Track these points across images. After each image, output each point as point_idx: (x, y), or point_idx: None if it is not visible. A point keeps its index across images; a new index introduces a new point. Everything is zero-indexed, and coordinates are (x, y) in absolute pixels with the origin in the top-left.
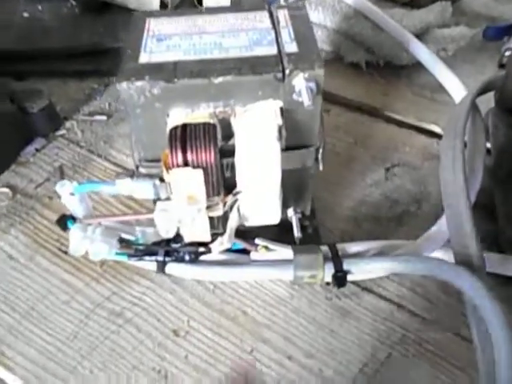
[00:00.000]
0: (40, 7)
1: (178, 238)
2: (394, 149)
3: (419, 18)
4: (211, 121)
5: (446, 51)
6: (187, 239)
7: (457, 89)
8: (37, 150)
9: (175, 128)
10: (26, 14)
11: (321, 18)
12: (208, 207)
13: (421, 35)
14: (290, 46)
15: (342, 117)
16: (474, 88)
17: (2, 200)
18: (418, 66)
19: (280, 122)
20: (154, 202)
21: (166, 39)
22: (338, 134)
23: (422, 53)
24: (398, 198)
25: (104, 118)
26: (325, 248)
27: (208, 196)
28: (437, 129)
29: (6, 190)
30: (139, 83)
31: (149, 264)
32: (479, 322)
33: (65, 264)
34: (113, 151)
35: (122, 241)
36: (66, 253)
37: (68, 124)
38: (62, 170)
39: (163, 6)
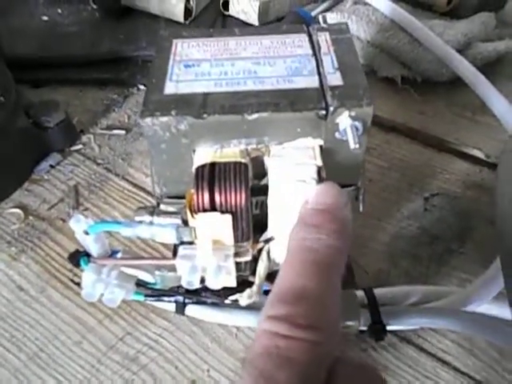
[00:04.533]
0: (60, 10)
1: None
2: (432, 175)
3: (462, 30)
4: (242, 160)
5: (487, 67)
6: (211, 286)
7: (506, 112)
8: (51, 167)
9: (202, 167)
10: (44, 18)
11: (354, 29)
12: (236, 253)
13: (462, 50)
14: (334, 78)
15: (374, 138)
16: None
17: (13, 222)
18: (457, 83)
19: (320, 162)
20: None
21: (194, 65)
22: (371, 158)
23: (465, 69)
24: (439, 234)
25: (123, 132)
26: (360, 292)
27: (236, 241)
28: (480, 154)
29: (17, 210)
30: (164, 119)
31: (167, 304)
32: None
33: (77, 298)
34: (131, 170)
35: (139, 284)
36: (78, 285)
37: (85, 138)
38: (77, 191)
39: (187, 12)
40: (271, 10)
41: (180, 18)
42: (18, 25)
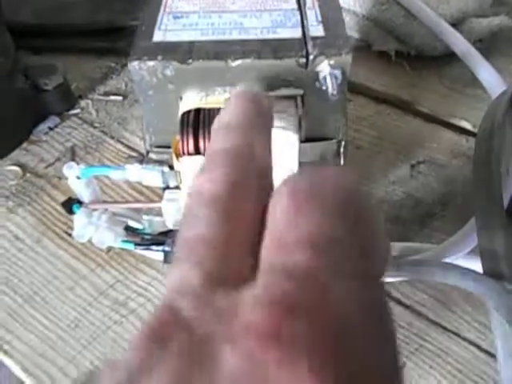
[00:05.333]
0: None
1: None
2: (421, 144)
3: (456, 5)
4: None
5: (482, 42)
6: None
7: (494, 83)
8: (50, 129)
9: (187, 113)
10: None
11: (350, 3)
12: None
13: (456, 25)
14: (316, 29)
15: (366, 108)
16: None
17: (11, 179)
18: (450, 57)
19: (300, 111)
20: (164, 190)
21: (183, 17)
22: (361, 127)
23: (458, 42)
24: (423, 198)
25: (120, 98)
26: None
27: None
28: (467, 125)
29: (16, 168)
30: (151, 63)
31: (156, 253)
32: (505, 338)
33: (71, 248)
34: (126, 133)
35: (128, 229)
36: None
37: (83, 103)
38: (74, 151)
39: None
40: None
41: None
42: None
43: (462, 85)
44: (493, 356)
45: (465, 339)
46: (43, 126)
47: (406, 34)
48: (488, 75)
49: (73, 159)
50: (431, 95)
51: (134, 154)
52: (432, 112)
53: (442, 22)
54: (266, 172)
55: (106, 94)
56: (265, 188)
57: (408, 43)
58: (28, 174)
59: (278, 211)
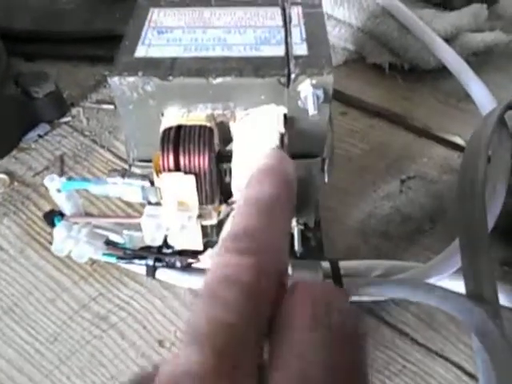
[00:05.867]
0: None
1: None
2: (412, 159)
3: (450, 20)
4: (208, 124)
5: (477, 57)
6: (177, 247)
7: (485, 100)
8: (40, 137)
9: (169, 129)
10: None
11: (346, 15)
12: (200, 215)
13: (451, 39)
14: (300, 48)
15: (358, 121)
16: (503, 100)
17: None
18: (444, 71)
19: (282, 129)
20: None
21: (167, 32)
22: (353, 140)
23: (450, 57)
24: (411, 214)
25: (111, 106)
26: (326, 264)
27: (201, 204)
28: (459, 140)
29: (3, 176)
30: (131, 79)
31: (139, 267)
32: (485, 362)
33: (55, 260)
34: (117, 143)
35: (108, 243)
36: None
37: (74, 111)
38: (63, 160)
39: None
40: None
41: None
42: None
43: (455, 99)
44: (476, 379)
45: (449, 361)
46: (33, 134)
47: (400, 47)
48: (479, 92)
49: (61, 168)
50: (424, 109)
51: (123, 164)
52: (424, 126)
53: (435, 36)
54: (281, 266)
55: (99, 102)
56: (281, 284)
57: (402, 56)
58: (16, 183)
59: (294, 336)
